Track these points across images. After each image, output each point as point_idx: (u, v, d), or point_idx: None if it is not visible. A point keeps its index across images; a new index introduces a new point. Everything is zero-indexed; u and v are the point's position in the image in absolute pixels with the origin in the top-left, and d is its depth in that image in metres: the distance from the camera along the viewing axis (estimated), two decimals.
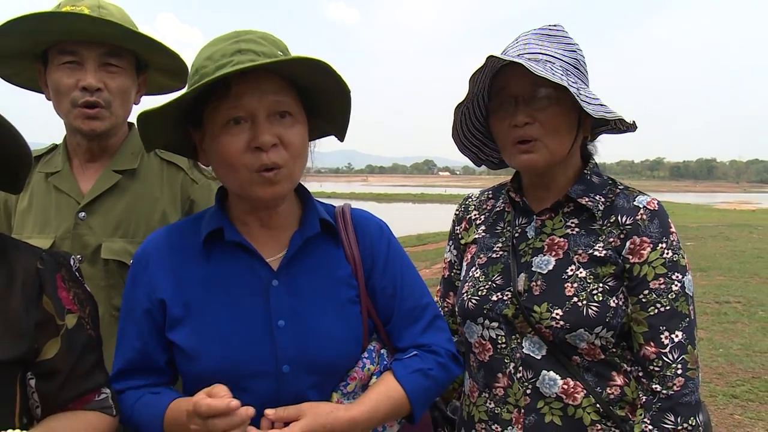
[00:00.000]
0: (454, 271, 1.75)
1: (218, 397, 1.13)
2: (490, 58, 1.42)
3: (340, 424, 1.24)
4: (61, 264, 1.26)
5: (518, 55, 1.44)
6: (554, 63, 1.43)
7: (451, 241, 1.78)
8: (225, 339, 1.26)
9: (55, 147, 1.90)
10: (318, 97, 1.32)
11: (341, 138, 1.46)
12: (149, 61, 1.83)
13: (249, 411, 1.14)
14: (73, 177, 1.79)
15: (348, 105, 1.36)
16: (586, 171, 1.54)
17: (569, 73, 1.44)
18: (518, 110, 1.44)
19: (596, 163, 1.58)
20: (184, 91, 1.24)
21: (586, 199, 1.49)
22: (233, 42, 1.23)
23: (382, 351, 1.40)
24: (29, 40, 1.68)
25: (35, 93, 1.87)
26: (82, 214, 1.73)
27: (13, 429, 1.12)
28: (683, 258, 1.44)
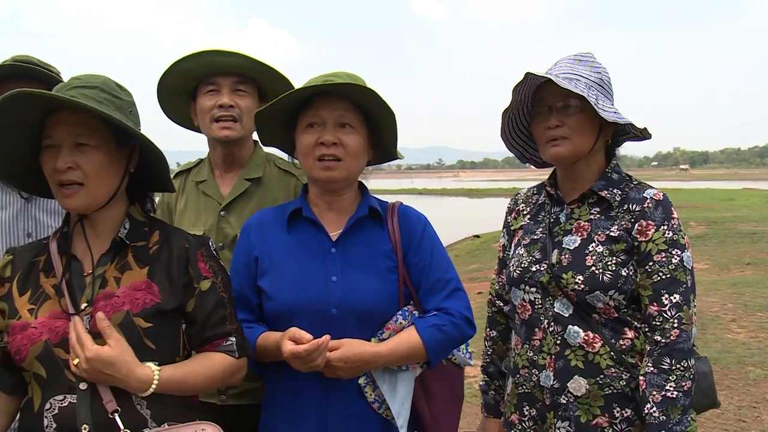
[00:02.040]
0: (507, 252, 2.18)
1: (302, 341, 1.64)
2: (528, 75, 1.86)
3: (367, 355, 1.73)
4: (202, 244, 1.69)
5: (552, 74, 1.87)
6: (579, 80, 1.85)
7: (504, 229, 2.21)
8: (294, 286, 1.79)
9: (200, 161, 2.47)
10: (377, 116, 1.85)
11: (394, 154, 1.99)
12: (268, 89, 2.37)
13: (326, 338, 1.65)
14: (216, 184, 2.35)
15: (393, 124, 1.87)
16: (607, 170, 1.94)
17: (591, 88, 1.85)
18: (551, 116, 1.88)
19: (617, 163, 1.97)
20: (283, 95, 1.82)
21: (606, 192, 1.89)
22: (326, 75, 1.83)
23: (414, 312, 1.87)
24: (185, 77, 2.27)
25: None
26: (223, 212, 2.29)
27: (179, 357, 1.63)
28: (683, 238, 1.82)
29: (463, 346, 2.05)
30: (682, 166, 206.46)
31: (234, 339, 1.68)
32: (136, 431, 1.44)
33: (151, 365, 1.49)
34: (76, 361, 1.42)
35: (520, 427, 1.99)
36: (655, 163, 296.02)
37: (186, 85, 2.32)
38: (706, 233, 16.42)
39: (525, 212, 2.12)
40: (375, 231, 1.90)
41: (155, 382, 1.47)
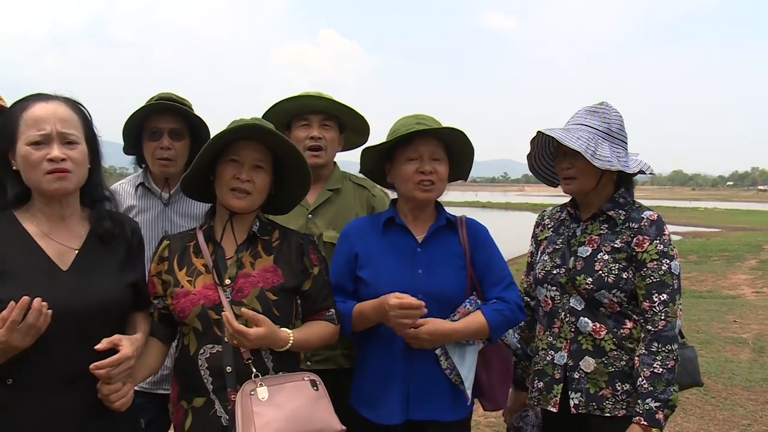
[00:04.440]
0: (534, 257, 2.69)
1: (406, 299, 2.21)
2: (539, 133, 2.44)
3: (445, 329, 2.31)
4: (311, 240, 2.36)
5: (566, 124, 2.41)
6: (586, 130, 2.37)
7: (532, 239, 2.76)
8: (389, 276, 2.38)
9: None
10: (458, 149, 2.47)
11: (465, 178, 2.60)
12: (347, 123, 3.00)
13: (422, 303, 2.21)
14: None
15: (472, 156, 2.49)
16: (616, 195, 2.45)
17: (594, 138, 2.36)
18: (564, 160, 2.43)
19: (625, 189, 2.47)
20: (387, 140, 2.45)
21: (612, 213, 2.42)
22: (415, 119, 2.43)
23: (477, 300, 2.43)
24: (284, 114, 2.92)
25: None
26: (310, 215, 2.91)
27: (292, 324, 2.22)
28: (672, 250, 2.33)
29: (511, 331, 2.61)
30: (760, 187, 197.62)
31: (333, 311, 2.29)
32: (262, 374, 2.06)
33: (287, 330, 2.09)
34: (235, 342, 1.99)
35: (534, 396, 2.53)
36: (731, 183, 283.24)
37: (283, 119, 2.96)
38: None
39: (549, 226, 2.67)
40: (449, 236, 2.48)
41: (291, 341, 2.09)
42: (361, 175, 2.86)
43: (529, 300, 2.74)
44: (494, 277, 2.45)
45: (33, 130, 1.84)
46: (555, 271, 2.48)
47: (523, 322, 2.71)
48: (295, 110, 2.91)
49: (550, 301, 2.51)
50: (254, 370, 2.05)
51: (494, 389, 2.51)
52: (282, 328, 2.09)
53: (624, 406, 2.31)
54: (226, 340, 2.03)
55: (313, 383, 2.10)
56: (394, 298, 2.21)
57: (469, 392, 2.38)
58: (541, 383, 2.48)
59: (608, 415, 2.33)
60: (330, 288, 2.32)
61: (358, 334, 2.43)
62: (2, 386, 1.81)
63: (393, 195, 2.67)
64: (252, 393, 1.98)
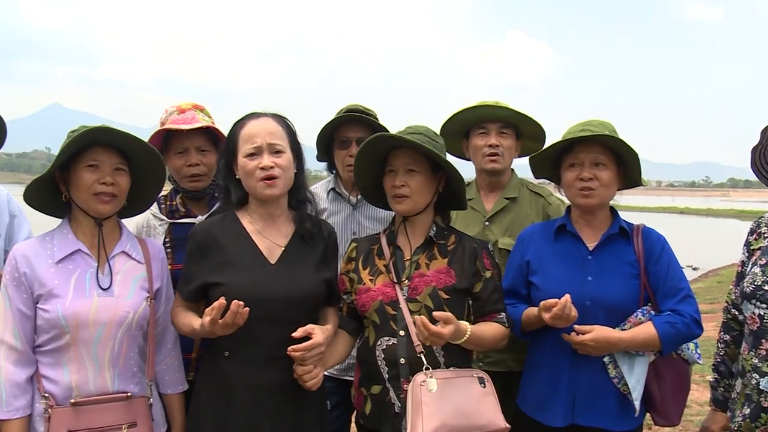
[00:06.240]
0: (744, 268, 2.46)
1: (554, 305, 2.24)
2: None
3: (612, 338, 2.32)
4: (485, 246, 2.45)
5: None
6: None
7: (744, 247, 2.52)
8: (558, 282, 2.42)
9: (468, 183, 3.22)
10: (623, 155, 2.44)
11: (639, 182, 2.55)
12: (524, 131, 3.08)
13: (567, 296, 2.23)
14: (481, 201, 3.12)
15: (637, 161, 2.44)
16: None
17: None
18: None
19: None
20: (550, 143, 2.53)
21: None
22: (582, 126, 2.46)
23: (651, 311, 2.39)
24: (463, 122, 3.08)
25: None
26: (487, 222, 3.04)
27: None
28: None
29: (693, 346, 2.52)
30: None
31: (504, 314, 2.39)
32: (433, 368, 2.22)
33: (467, 323, 2.21)
34: (427, 342, 2.14)
35: (738, 422, 2.34)
36: None
37: (461, 128, 3.11)
38: None
39: (766, 235, 2.44)
40: (622, 245, 2.47)
41: (467, 334, 2.20)
42: (538, 182, 2.92)
43: (737, 313, 2.53)
44: (669, 289, 2.40)
45: (248, 144, 2.21)
46: (766, 287, 2.28)
47: (728, 337, 2.56)
48: (474, 119, 3.04)
49: (757, 320, 2.29)
50: (425, 362, 2.21)
51: (667, 404, 2.45)
52: (462, 321, 2.23)
53: None
54: (420, 340, 2.19)
55: (481, 380, 2.23)
56: (547, 302, 2.26)
57: (637, 403, 2.36)
58: (748, 409, 2.29)
59: None
60: (501, 293, 2.42)
61: (527, 333, 2.52)
62: (221, 357, 2.21)
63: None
64: (422, 384, 2.16)
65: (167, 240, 2.74)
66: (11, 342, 2.11)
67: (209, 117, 2.83)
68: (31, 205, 2.27)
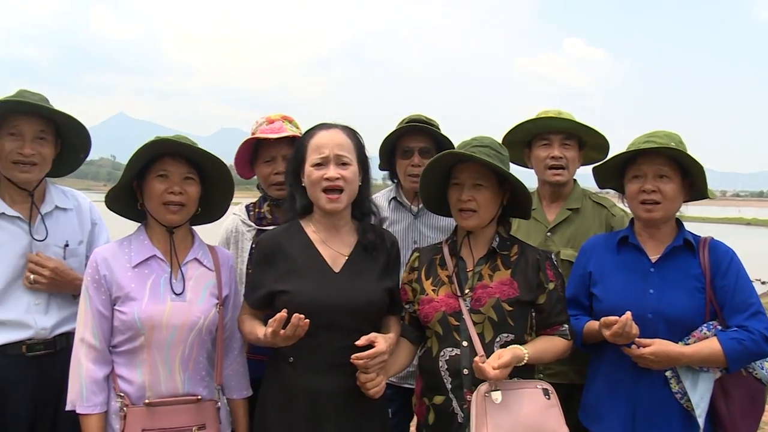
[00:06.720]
0: None
1: (614, 322, 2.21)
2: None
3: (673, 353, 2.27)
4: (548, 257, 2.44)
5: None
6: None
7: None
8: (620, 294, 2.41)
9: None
10: (689, 166, 2.39)
11: (706, 194, 2.49)
12: (587, 141, 3.05)
13: (628, 314, 2.20)
14: (543, 212, 3.10)
15: (702, 173, 2.39)
16: None
17: None
18: None
19: None
20: (613, 154, 2.51)
21: None
22: (646, 137, 2.42)
23: (717, 327, 2.33)
24: (525, 133, 3.07)
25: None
26: (549, 233, 3.02)
27: (528, 334, 2.33)
28: None
29: (767, 364, 2.43)
30: None
31: (567, 326, 2.39)
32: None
33: (522, 348, 2.20)
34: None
35: None
36: None
37: (524, 139, 3.10)
38: None
39: None
40: (687, 258, 2.42)
41: (526, 358, 2.20)
42: (601, 193, 2.88)
43: None
44: (738, 304, 2.33)
45: (315, 153, 2.27)
46: None
47: None
48: (536, 130, 3.03)
49: None
50: None
51: (736, 423, 2.36)
52: (518, 346, 2.22)
53: None
54: (477, 376, 2.20)
55: (546, 392, 2.22)
56: (606, 319, 2.23)
57: (701, 420, 2.29)
58: None
59: None
60: (564, 304, 2.41)
61: (588, 346, 2.49)
62: (286, 363, 2.26)
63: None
64: (487, 395, 2.15)
65: (254, 246, 2.82)
66: (90, 341, 2.22)
67: (297, 127, 2.92)
68: (113, 210, 2.39)
